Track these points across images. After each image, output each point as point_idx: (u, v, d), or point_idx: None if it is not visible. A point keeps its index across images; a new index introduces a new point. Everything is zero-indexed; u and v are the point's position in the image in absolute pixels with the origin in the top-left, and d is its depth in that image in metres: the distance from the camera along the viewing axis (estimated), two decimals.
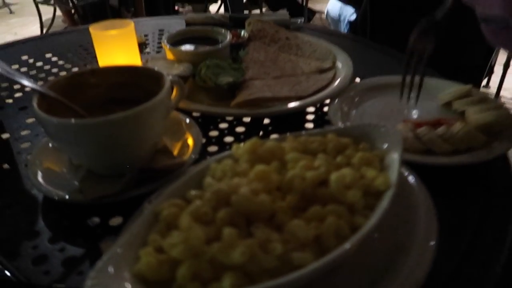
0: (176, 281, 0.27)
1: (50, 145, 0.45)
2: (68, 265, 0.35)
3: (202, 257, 0.27)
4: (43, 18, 2.79)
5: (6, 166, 0.48)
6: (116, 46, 0.53)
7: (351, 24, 1.42)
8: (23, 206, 0.42)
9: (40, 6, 2.69)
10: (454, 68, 0.96)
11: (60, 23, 3.16)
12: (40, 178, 0.41)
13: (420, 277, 0.30)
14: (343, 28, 1.53)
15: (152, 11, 2.53)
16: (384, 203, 0.31)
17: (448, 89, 0.55)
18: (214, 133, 0.54)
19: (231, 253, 0.26)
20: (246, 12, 2.87)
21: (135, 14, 2.63)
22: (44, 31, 2.84)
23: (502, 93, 2.35)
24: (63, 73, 0.71)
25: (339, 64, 0.63)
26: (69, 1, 2.49)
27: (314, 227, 0.29)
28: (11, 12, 4.04)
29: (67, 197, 0.39)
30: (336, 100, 0.55)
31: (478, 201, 0.41)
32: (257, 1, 3.01)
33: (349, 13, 1.50)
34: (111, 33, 0.53)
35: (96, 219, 0.39)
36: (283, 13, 0.83)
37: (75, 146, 0.40)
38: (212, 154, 0.49)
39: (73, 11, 2.76)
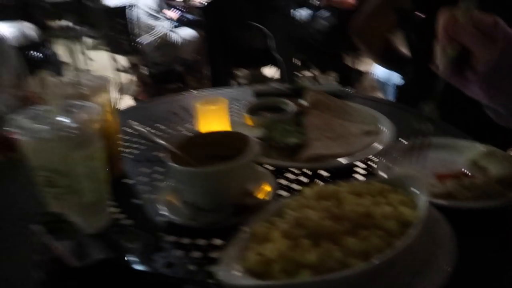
0: (271, 273, 0.41)
1: (169, 187, 0.63)
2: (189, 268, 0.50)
3: (288, 258, 0.41)
4: None
5: (133, 202, 0.66)
6: (214, 117, 0.72)
7: (398, 88, 1.55)
8: (149, 229, 0.59)
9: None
10: (490, 131, 1.05)
11: (133, 86, 3.60)
12: (164, 210, 0.58)
13: None
14: (390, 91, 1.67)
15: (214, 76, 2.86)
16: (413, 231, 0.44)
17: (475, 148, 0.68)
18: (282, 181, 0.69)
19: (308, 256, 0.41)
20: (297, 73, 3.13)
21: (199, 80, 2.98)
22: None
23: None
24: (163, 134, 0.91)
25: (382, 128, 0.78)
26: (142, 69, 2.88)
27: (364, 244, 0.43)
28: None
29: (185, 222, 0.55)
30: (382, 158, 0.69)
31: (493, 239, 0.52)
32: (308, 64, 3.27)
33: (396, 77, 1.64)
34: (212, 107, 0.72)
35: (203, 240, 0.55)
36: (335, 85, 1.00)
37: (190, 187, 0.57)
38: (282, 197, 0.64)
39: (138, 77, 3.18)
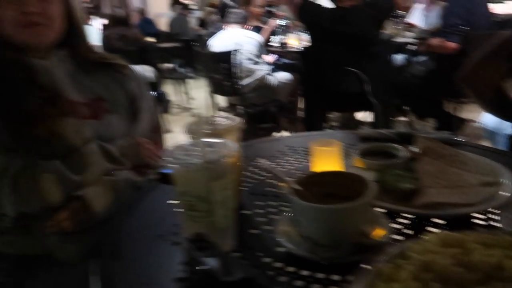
0: None
1: (286, 220, 0.68)
2: None
3: None
4: None
5: (253, 231, 0.72)
6: (328, 157, 0.77)
7: (511, 138, 1.45)
8: (268, 257, 0.64)
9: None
10: None
11: None
12: (284, 241, 0.63)
13: None
14: (501, 141, 1.57)
15: (306, 118, 2.93)
16: None
17: None
18: (394, 225, 0.70)
19: None
20: (392, 118, 3.07)
21: (291, 121, 3.08)
22: None
23: None
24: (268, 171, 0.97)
25: (503, 180, 0.75)
26: (239, 109, 3.08)
27: None
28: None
29: (304, 255, 0.59)
30: (507, 211, 0.66)
31: None
32: (403, 110, 3.20)
33: (509, 126, 1.54)
34: (327, 149, 0.78)
35: (322, 274, 0.58)
36: (445, 133, 0.99)
37: (311, 222, 0.61)
38: (396, 240, 0.64)
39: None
